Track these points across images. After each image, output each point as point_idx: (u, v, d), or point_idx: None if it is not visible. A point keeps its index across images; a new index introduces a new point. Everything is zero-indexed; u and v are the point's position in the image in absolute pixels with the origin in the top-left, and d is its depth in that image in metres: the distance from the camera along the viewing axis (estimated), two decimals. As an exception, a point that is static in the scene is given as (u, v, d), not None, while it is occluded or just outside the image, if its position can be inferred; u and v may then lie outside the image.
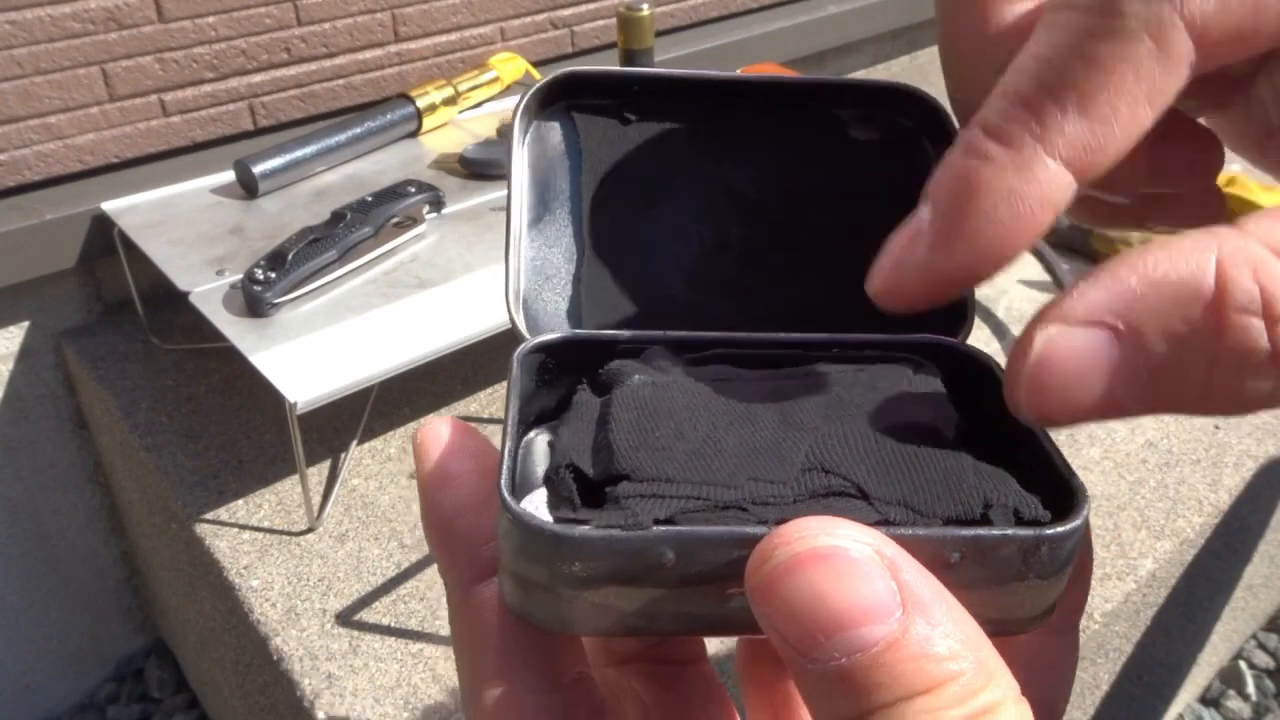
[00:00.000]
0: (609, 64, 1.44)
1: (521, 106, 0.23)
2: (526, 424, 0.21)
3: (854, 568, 0.16)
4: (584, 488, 0.19)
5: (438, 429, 0.21)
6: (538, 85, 0.23)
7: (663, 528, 0.17)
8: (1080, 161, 0.17)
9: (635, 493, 0.18)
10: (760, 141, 0.24)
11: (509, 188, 0.23)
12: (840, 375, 0.22)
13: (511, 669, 0.19)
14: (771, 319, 0.24)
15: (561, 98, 0.24)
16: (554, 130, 0.24)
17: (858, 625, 0.15)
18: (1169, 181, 0.21)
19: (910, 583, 0.16)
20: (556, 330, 0.23)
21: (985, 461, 0.20)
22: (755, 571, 0.16)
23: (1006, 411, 0.18)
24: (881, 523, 0.18)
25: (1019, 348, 0.17)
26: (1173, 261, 0.16)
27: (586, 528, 0.17)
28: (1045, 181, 0.17)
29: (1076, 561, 0.19)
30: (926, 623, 0.15)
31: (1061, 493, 0.19)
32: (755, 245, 0.24)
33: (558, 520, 0.18)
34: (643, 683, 0.25)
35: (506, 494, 0.18)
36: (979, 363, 0.23)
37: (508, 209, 0.23)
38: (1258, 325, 0.16)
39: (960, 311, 0.24)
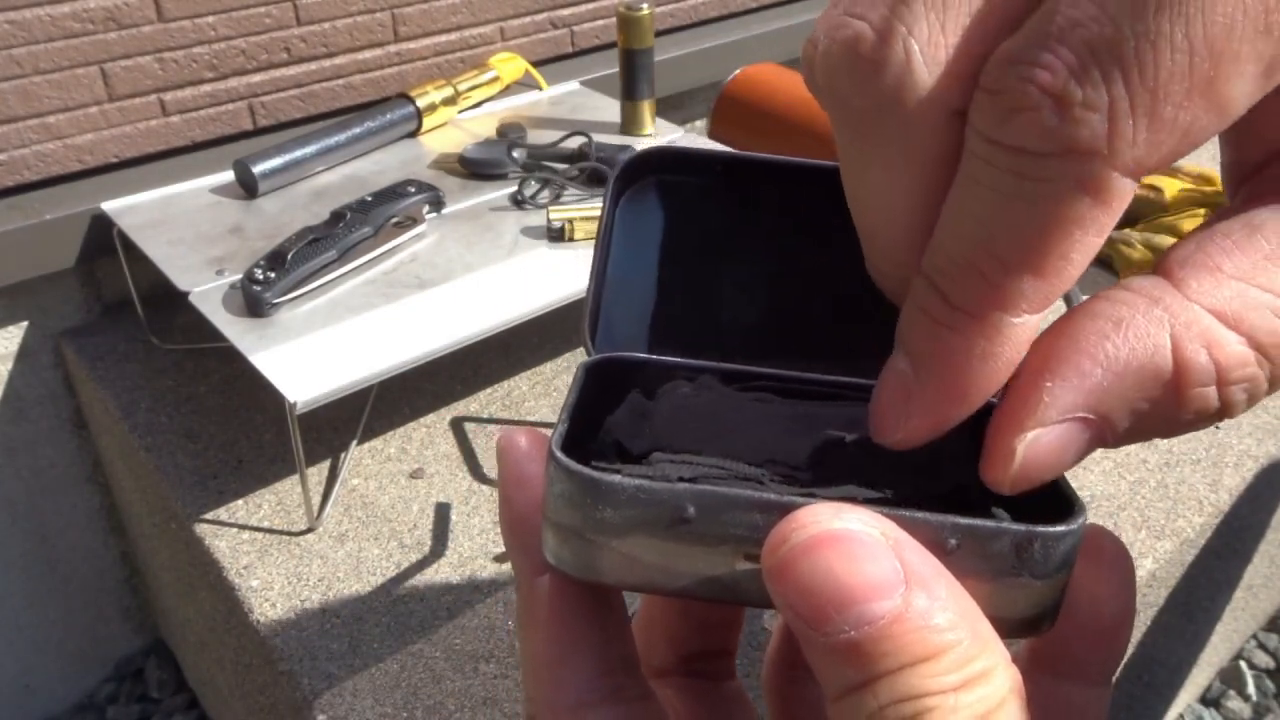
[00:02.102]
0: (609, 64, 1.44)
1: (618, 172, 0.26)
2: (583, 413, 0.23)
3: (862, 549, 0.17)
4: (624, 462, 0.21)
5: (516, 437, 0.23)
6: (634, 156, 0.26)
7: (687, 484, 0.19)
8: (1044, 304, 0.17)
9: (666, 459, 0.21)
10: (826, 219, 0.26)
11: (598, 234, 0.26)
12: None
13: (564, 652, 0.21)
14: (818, 372, 0.27)
15: (653, 170, 0.26)
16: (643, 193, 0.27)
17: (866, 600, 0.17)
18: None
19: (912, 561, 0.17)
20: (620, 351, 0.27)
21: None
22: (772, 553, 0.17)
23: None
24: (884, 501, 0.19)
25: (996, 454, 0.18)
26: (1131, 347, 0.17)
27: (619, 476, 0.19)
28: (1014, 336, 0.17)
29: (1117, 615, 0.21)
30: (927, 597, 0.17)
31: (1063, 506, 0.20)
32: (811, 311, 0.27)
33: (594, 469, 0.20)
34: (676, 695, 0.27)
35: (555, 446, 0.20)
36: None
37: (595, 251, 0.26)
38: (1211, 393, 0.17)
39: None
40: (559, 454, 0.20)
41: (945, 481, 0.22)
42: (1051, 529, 0.18)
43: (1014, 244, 0.17)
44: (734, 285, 0.27)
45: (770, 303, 0.27)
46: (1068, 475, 0.21)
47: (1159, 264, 0.18)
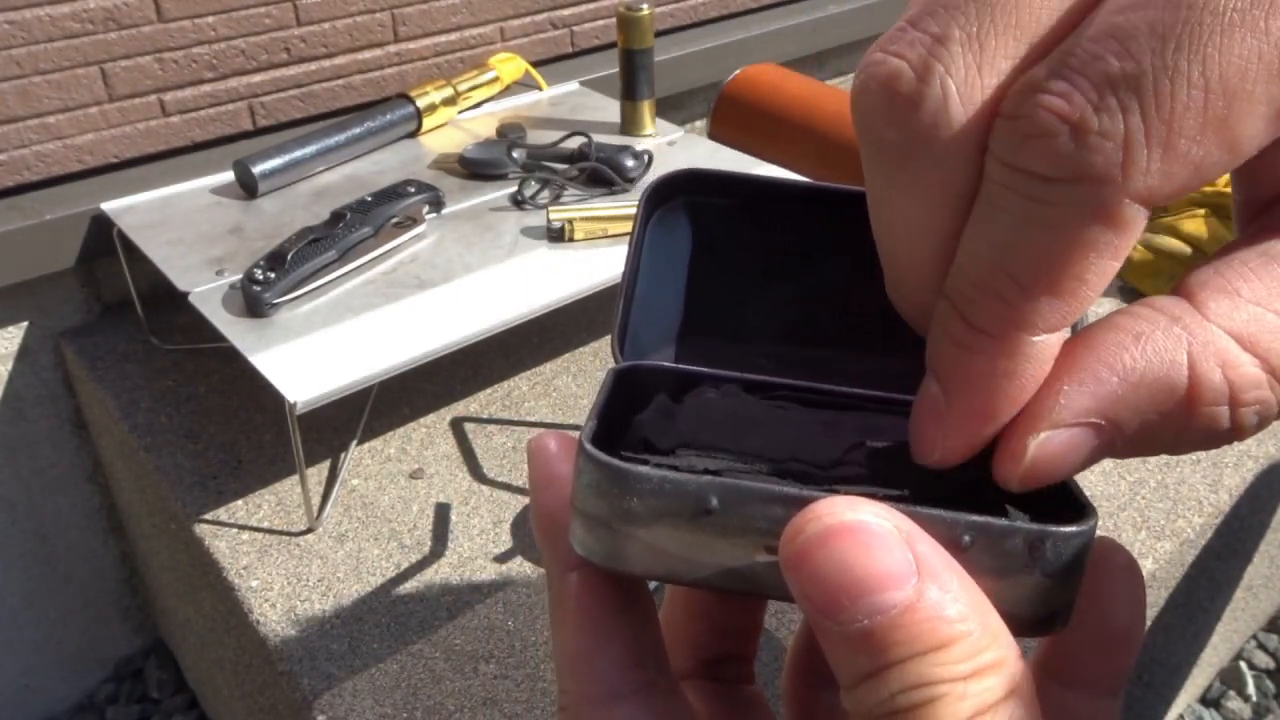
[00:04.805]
0: (609, 64, 1.44)
1: (649, 192, 0.27)
2: (610, 414, 0.24)
3: (875, 540, 0.17)
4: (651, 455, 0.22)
5: (546, 440, 0.24)
6: (664, 177, 0.27)
7: (710, 476, 0.20)
8: (1062, 323, 0.18)
9: (692, 454, 0.22)
10: (849, 242, 0.27)
11: (628, 251, 0.27)
12: (889, 420, 0.25)
13: (593, 644, 0.22)
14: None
15: (682, 192, 0.27)
16: (673, 213, 0.28)
17: (879, 591, 0.17)
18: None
19: (924, 554, 0.18)
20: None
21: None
22: (789, 543, 0.18)
23: None
24: (900, 499, 0.20)
25: (1008, 452, 0.19)
26: (1149, 360, 0.18)
27: (646, 467, 0.20)
28: (1035, 354, 0.18)
29: (1126, 627, 0.21)
30: (939, 589, 0.17)
31: (1075, 509, 0.21)
32: (837, 332, 0.28)
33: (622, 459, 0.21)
34: (696, 697, 0.27)
35: (585, 439, 0.20)
36: None
37: (625, 266, 0.27)
38: (1223, 412, 0.18)
39: None
40: (588, 446, 0.20)
41: (962, 483, 0.23)
42: (1063, 529, 0.19)
43: (1030, 266, 0.17)
44: (758, 303, 0.28)
45: (792, 320, 0.28)
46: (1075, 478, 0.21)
47: (1179, 285, 0.19)
